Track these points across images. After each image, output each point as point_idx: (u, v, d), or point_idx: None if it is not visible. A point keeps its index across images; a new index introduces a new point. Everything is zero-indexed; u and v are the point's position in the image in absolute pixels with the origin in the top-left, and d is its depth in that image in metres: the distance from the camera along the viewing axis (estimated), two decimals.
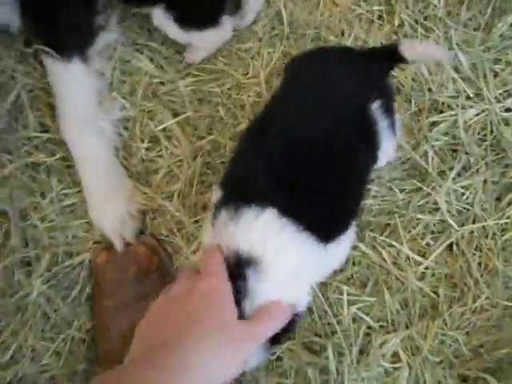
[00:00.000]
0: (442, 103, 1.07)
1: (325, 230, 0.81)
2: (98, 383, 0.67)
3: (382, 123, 0.85)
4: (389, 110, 0.86)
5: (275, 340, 0.80)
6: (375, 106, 0.83)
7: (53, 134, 1.11)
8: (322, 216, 0.80)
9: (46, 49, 1.05)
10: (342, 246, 0.90)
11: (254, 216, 0.76)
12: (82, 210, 1.11)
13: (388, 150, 0.93)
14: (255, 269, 0.76)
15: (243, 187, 0.80)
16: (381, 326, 1.08)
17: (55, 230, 1.11)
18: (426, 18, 1.08)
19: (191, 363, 0.67)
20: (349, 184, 0.84)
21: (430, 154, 1.07)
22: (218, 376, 0.70)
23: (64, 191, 1.11)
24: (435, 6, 1.06)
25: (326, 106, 0.82)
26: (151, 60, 1.14)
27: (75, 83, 1.08)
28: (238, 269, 0.76)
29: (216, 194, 0.86)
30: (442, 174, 1.07)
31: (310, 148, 0.79)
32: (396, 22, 1.08)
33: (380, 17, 1.09)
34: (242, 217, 0.77)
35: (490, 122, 1.06)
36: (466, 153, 1.06)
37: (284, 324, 0.77)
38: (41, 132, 1.12)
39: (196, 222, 1.09)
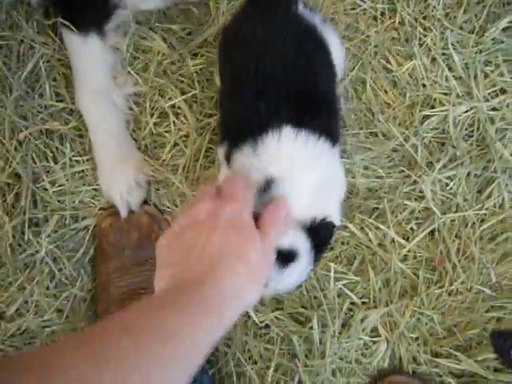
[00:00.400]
0: (435, 99, 1.15)
1: (332, 133, 0.90)
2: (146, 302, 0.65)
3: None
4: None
5: (318, 252, 0.89)
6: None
7: (67, 104, 1.18)
8: (327, 121, 0.90)
9: (65, 22, 1.12)
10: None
11: (276, 138, 0.84)
12: (90, 178, 1.18)
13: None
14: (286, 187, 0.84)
15: (252, 122, 0.88)
16: (363, 303, 1.16)
17: (64, 194, 1.18)
18: (425, 18, 1.14)
19: (227, 293, 0.67)
20: (327, 90, 0.95)
21: (420, 145, 1.14)
22: (248, 301, 0.71)
23: (75, 158, 1.18)
24: (434, 7, 1.13)
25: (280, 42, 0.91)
26: (164, 39, 1.19)
27: (92, 57, 1.14)
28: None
29: (222, 149, 0.95)
30: (429, 164, 1.15)
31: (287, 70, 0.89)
32: (397, 20, 1.15)
33: (382, 14, 1.16)
34: (265, 143, 0.85)
35: (478, 120, 1.14)
36: (453, 146, 1.14)
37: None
38: (56, 101, 1.18)
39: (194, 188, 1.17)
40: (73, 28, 1.12)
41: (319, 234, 0.87)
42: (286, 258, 0.84)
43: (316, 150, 0.87)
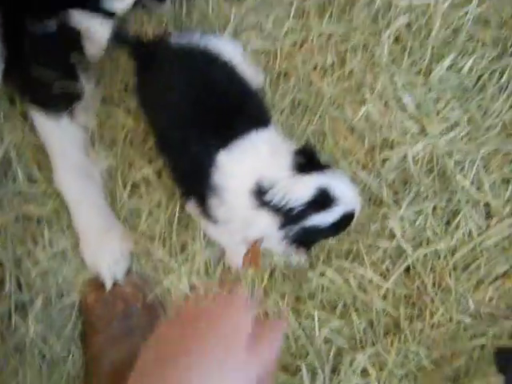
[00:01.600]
0: (392, 140, 1.19)
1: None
2: None
3: None
4: None
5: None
6: None
7: (41, 186, 1.21)
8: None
9: (35, 108, 1.17)
10: None
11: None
12: (71, 255, 1.20)
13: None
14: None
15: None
16: (350, 346, 1.19)
17: (47, 274, 1.20)
18: (373, 65, 1.20)
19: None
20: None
21: (384, 185, 1.18)
22: None
23: (54, 239, 1.20)
24: (380, 54, 1.18)
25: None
26: (128, 112, 1.24)
27: (65, 137, 1.19)
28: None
29: (191, 205, 1.00)
30: (395, 202, 1.19)
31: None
32: (347, 70, 1.20)
33: (332, 65, 1.21)
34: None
35: (436, 155, 1.18)
36: (417, 183, 1.18)
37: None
38: (30, 184, 1.22)
39: (176, 258, 1.19)
40: (44, 112, 1.17)
41: None
42: None
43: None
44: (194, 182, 0.97)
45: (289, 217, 0.88)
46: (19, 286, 1.20)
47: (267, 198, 0.88)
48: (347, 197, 0.91)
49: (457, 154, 1.18)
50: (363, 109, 1.19)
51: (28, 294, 1.19)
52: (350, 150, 1.20)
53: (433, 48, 1.19)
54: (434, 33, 1.18)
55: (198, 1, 1.24)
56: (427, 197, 1.18)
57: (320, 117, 1.20)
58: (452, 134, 1.19)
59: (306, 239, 0.92)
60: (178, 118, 0.96)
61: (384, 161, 1.19)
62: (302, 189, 0.87)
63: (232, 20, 1.21)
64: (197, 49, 1.00)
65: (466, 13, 1.19)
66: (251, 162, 0.90)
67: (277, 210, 0.88)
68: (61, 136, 1.19)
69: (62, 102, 1.18)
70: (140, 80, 1.06)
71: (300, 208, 0.87)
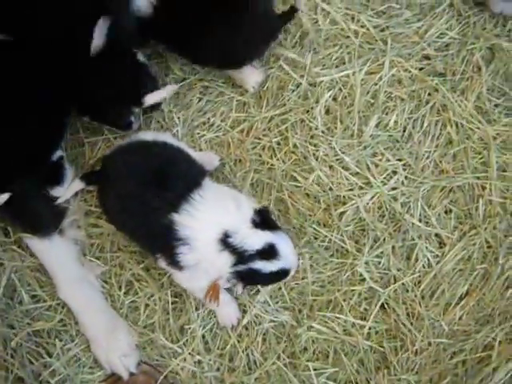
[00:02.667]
0: (344, 196, 1.35)
1: None
2: None
3: None
4: None
5: None
6: None
7: (46, 302, 1.35)
8: None
9: (27, 234, 1.32)
10: None
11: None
12: (84, 358, 1.33)
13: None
14: None
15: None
16: None
17: (65, 380, 1.32)
18: (312, 137, 1.38)
19: None
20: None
21: (345, 237, 1.34)
22: None
23: (66, 347, 1.33)
24: (316, 127, 1.37)
25: None
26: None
27: (60, 253, 1.34)
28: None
29: (160, 261, 1.19)
30: (358, 250, 1.34)
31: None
32: (291, 145, 1.38)
33: (278, 143, 1.39)
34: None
35: (383, 202, 1.34)
36: (373, 229, 1.34)
37: None
38: (34, 303, 1.35)
39: (178, 342, 1.32)
40: (36, 236, 1.32)
41: None
42: None
43: None
44: (162, 241, 1.17)
45: (242, 257, 1.13)
46: None
47: (229, 242, 1.12)
48: (288, 256, 1.17)
49: (401, 197, 1.35)
50: (312, 175, 1.36)
51: None
52: (310, 211, 1.36)
53: (359, 112, 1.37)
54: (356, 100, 1.37)
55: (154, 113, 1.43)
56: (384, 240, 1.34)
57: (278, 190, 1.37)
58: (393, 181, 1.36)
59: (248, 277, 1.16)
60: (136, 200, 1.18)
61: (340, 215, 1.35)
62: (256, 239, 1.14)
63: (181, 123, 1.40)
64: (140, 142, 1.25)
65: (381, 77, 1.39)
66: (219, 216, 1.15)
67: (233, 250, 1.12)
68: (56, 253, 1.34)
69: (48, 221, 1.34)
70: (100, 195, 1.30)
71: (251, 252, 1.13)
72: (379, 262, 1.34)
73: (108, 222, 1.34)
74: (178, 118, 1.43)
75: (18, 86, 1.22)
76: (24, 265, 1.37)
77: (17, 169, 1.27)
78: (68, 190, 1.33)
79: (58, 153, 1.33)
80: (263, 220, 1.16)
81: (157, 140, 1.25)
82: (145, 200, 1.16)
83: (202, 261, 1.15)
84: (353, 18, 1.42)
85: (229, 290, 1.29)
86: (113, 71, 1.26)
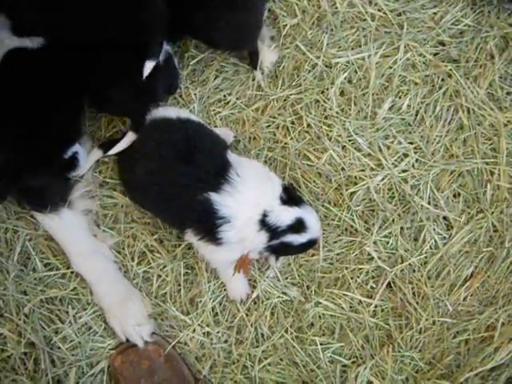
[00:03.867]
0: (355, 177, 1.38)
1: None
2: None
3: None
4: None
5: None
6: None
7: (59, 270, 1.37)
8: None
9: (33, 209, 1.35)
10: None
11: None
12: (95, 326, 1.36)
13: None
14: None
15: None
16: (353, 362, 1.34)
17: (76, 347, 1.35)
18: (326, 118, 1.40)
19: None
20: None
21: (355, 217, 1.37)
22: None
23: (78, 314, 1.36)
24: (330, 108, 1.39)
25: None
26: (124, 193, 1.41)
27: (69, 227, 1.35)
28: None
29: (189, 234, 1.22)
30: (368, 230, 1.37)
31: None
32: (305, 125, 1.40)
33: (292, 123, 1.42)
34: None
35: (394, 183, 1.37)
36: (382, 210, 1.37)
37: None
38: (48, 271, 1.38)
39: (188, 314, 1.35)
40: (42, 211, 1.34)
41: None
42: None
43: None
44: (197, 218, 1.20)
45: (275, 233, 1.18)
46: (53, 362, 1.35)
47: (266, 221, 1.18)
48: (314, 228, 1.23)
49: (411, 180, 1.37)
50: (325, 155, 1.38)
51: (62, 369, 1.34)
52: (321, 190, 1.39)
53: (373, 95, 1.40)
54: (371, 82, 1.39)
55: None
56: (393, 220, 1.37)
57: (290, 168, 1.39)
58: (403, 164, 1.38)
59: (281, 250, 1.23)
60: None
61: (351, 195, 1.38)
62: (288, 215, 1.19)
63: (197, 99, 1.42)
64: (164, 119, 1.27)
65: (395, 61, 1.41)
66: (258, 197, 1.20)
67: (269, 229, 1.18)
68: (66, 227, 1.36)
69: (54, 196, 1.35)
70: (123, 171, 1.33)
71: (283, 228, 1.18)
72: (387, 242, 1.37)
73: (129, 196, 1.36)
74: (195, 94, 1.44)
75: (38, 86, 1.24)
76: (38, 233, 1.39)
77: (29, 167, 1.27)
78: (87, 160, 1.35)
79: (74, 148, 1.32)
80: (290, 196, 1.22)
81: (180, 116, 1.26)
82: (175, 176, 1.19)
83: (243, 238, 1.19)
84: (370, 2, 1.44)
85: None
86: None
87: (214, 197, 1.17)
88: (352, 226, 1.38)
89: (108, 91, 1.29)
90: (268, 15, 1.46)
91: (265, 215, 1.18)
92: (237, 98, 1.44)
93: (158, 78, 1.30)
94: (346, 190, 1.38)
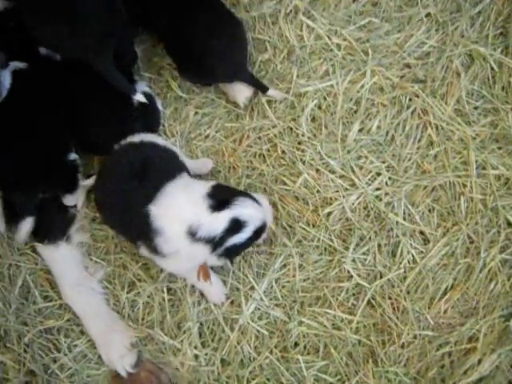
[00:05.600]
0: (330, 198, 1.43)
1: None
2: None
3: None
4: None
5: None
6: None
7: (56, 302, 1.46)
8: None
9: (37, 241, 1.46)
10: None
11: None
12: (90, 354, 1.43)
13: None
14: None
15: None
16: (338, 380, 1.36)
17: (74, 375, 1.42)
18: (299, 143, 1.46)
19: None
20: None
21: (333, 236, 1.41)
22: None
23: (73, 343, 1.44)
24: (303, 134, 1.46)
25: None
26: None
27: (64, 258, 1.46)
28: None
29: (143, 250, 1.30)
30: (346, 248, 1.40)
31: None
32: (279, 151, 1.47)
33: (268, 150, 1.49)
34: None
35: (368, 201, 1.41)
36: (359, 228, 1.40)
37: None
38: (46, 302, 1.47)
39: (176, 338, 1.41)
40: (43, 243, 1.45)
41: None
42: None
43: None
44: (141, 230, 1.27)
45: (215, 243, 1.21)
46: None
47: (198, 235, 1.20)
48: (254, 216, 1.24)
49: (385, 197, 1.41)
50: (300, 178, 1.45)
51: None
52: (299, 213, 1.44)
53: (342, 119, 1.46)
54: (339, 107, 1.46)
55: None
56: (370, 238, 1.40)
57: (269, 193, 1.46)
58: (377, 182, 1.43)
59: (231, 253, 1.26)
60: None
61: (328, 216, 1.43)
62: (218, 223, 1.21)
63: (179, 135, 1.52)
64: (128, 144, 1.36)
65: (363, 85, 1.48)
66: (179, 211, 1.23)
67: (206, 241, 1.21)
68: (61, 259, 1.47)
69: (55, 230, 1.47)
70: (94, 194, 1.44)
71: (220, 235, 1.21)
72: (365, 259, 1.40)
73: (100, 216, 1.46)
74: (177, 131, 1.55)
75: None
76: (37, 267, 1.50)
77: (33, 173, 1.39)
78: (80, 189, 1.46)
79: (72, 155, 1.44)
80: (218, 200, 1.22)
81: (143, 140, 1.36)
82: (126, 193, 1.27)
83: (180, 249, 1.23)
84: (336, 33, 1.53)
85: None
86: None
87: (150, 208, 1.24)
88: (330, 246, 1.42)
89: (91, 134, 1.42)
90: None
91: (192, 230, 1.20)
92: (216, 131, 1.54)
93: (137, 118, 1.43)
94: (323, 210, 1.43)
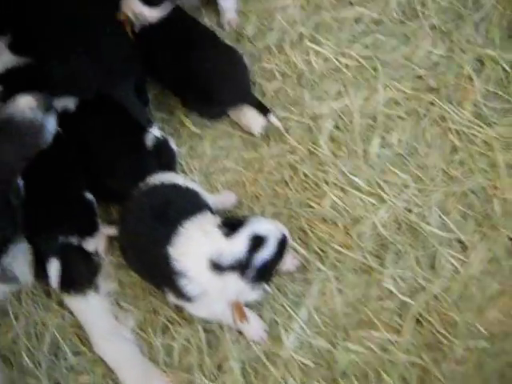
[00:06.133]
0: (359, 216, 1.39)
1: None
2: None
3: None
4: None
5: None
6: None
7: (87, 356, 1.39)
8: None
9: (65, 292, 1.40)
10: None
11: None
12: None
13: None
14: None
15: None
16: None
17: None
18: (321, 165, 1.45)
19: None
20: None
21: (367, 254, 1.36)
22: None
23: None
24: (323, 155, 1.45)
25: None
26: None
27: (93, 309, 1.40)
28: None
29: (171, 297, 1.26)
30: (382, 265, 1.35)
31: None
32: (301, 175, 1.45)
33: (290, 176, 1.47)
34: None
35: (398, 215, 1.38)
36: (392, 243, 1.36)
37: None
38: (77, 357, 1.40)
39: (217, 379, 1.33)
40: (71, 294, 1.40)
41: None
42: None
43: None
44: (164, 274, 1.22)
45: (242, 266, 1.15)
46: None
47: (222, 264, 1.15)
48: (272, 229, 1.19)
49: (415, 208, 1.38)
50: (326, 200, 1.42)
51: None
52: (329, 235, 1.40)
53: (361, 135, 1.45)
54: (356, 124, 1.45)
55: None
56: (406, 252, 1.35)
57: (295, 219, 1.42)
58: (405, 195, 1.39)
59: (262, 274, 1.18)
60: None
61: (359, 234, 1.38)
62: (239, 244, 1.16)
63: (197, 171, 1.50)
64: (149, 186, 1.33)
65: (377, 101, 1.47)
66: (196, 246, 1.18)
67: (232, 268, 1.15)
68: (90, 310, 1.41)
69: (83, 279, 1.41)
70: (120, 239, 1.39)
71: (244, 256, 1.15)
72: (404, 274, 1.34)
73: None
74: (195, 168, 1.53)
75: None
76: (65, 322, 1.43)
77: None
78: (101, 234, 1.43)
79: (88, 195, 1.42)
80: (230, 224, 1.19)
81: (163, 182, 1.33)
82: (148, 236, 1.24)
83: (207, 288, 1.18)
84: (343, 53, 1.54)
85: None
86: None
87: (169, 250, 1.19)
88: (366, 265, 1.37)
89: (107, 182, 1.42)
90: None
91: (214, 261, 1.15)
92: (234, 163, 1.52)
93: (152, 161, 1.42)
94: (353, 230, 1.39)
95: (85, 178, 1.44)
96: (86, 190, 1.42)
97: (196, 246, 1.18)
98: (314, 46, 1.55)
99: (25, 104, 1.25)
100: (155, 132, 1.39)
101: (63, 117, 1.42)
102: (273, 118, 1.48)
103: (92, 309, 1.40)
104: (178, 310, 1.40)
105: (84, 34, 1.37)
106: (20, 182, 1.32)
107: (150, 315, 1.41)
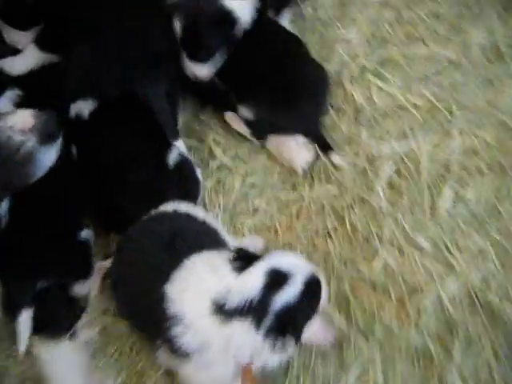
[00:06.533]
0: (420, 285, 1.09)
1: None
2: None
3: None
4: None
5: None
6: None
7: None
8: None
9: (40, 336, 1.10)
10: None
11: None
12: None
13: None
14: None
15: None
16: None
17: None
18: (374, 216, 1.16)
19: None
20: None
21: (428, 338, 1.03)
22: None
23: None
24: (379, 205, 1.16)
25: None
26: None
27: (64, 360, 1.10)
28: None
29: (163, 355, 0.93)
30: (447, 353, 1.02)
31: None
32: (349, 226, 1.16)
33: (334, 226, 1.19)
34: None
35: (472, 291, 1.06)
36: (462, 325, 1.03)
37: None
38: None
39: None
40: (41, 336, 1.10)
41: None
42: None
43: None
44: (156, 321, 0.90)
45: (256, 312, 0.81)
46: None
47: (228, 306, 0.82)
48: (298, 265, 0.87)
49: (493, 283, 1.06)
50: (378, 261, 1.12)
51: None
52: (378, 306, 1.08)
53: (428, 186, 1.17)
54: (423, 171, 1.17)
55: None
56: (479, 338, 1.02)
57: (337, 279, 1.12)
58: (481, 265, 1.08)
59: (286, 323, 0.82)
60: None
61: (418, 309, 1.06)
62: (252, 280, 0.83)
63: (221, 209, 1.24)
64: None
65: (450, 147, 1.20)
66: (198, 282, 0.87)
67: (242, 312, 0.82)
68: (60, 361, 1.10)
69: (61, 326, 1.12)
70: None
71: (259, 297, 0.82)
72: (476, 368, 1.00)
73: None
74: (219, 205, 1.26)
75: None
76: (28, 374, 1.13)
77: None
78: (95, 274, 1.16)
79: (83, 234, 1.16)
80: (246, 257, 0.88)
81: (177, 210, 1.06)
82: (149, 270, 0.95)
83: (209, 339, 0.85)
84: (411, 92, 1.29)
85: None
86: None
87: (166, 289, 0.89)
88: (424, 350, 1.03)
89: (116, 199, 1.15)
90: None
91: (218, 303, 0.83)
92: (267, 204, 1.25)
93: (172, 185, 1.16)
94: (411, 302, 1.07)
95: (88, 207, 1.19)
96: (83, 227, 1.17)
97: (198, 282, 0.87)
98: (377, 81, 1.32)
99: (17, 122, 0.94)
100: (179, 145, 1.14)
101: (75, 125, 1.23)
102: (336, 158, 1.24)
103: (62, 360, 1.09)
104: (169, 374, 1.08)
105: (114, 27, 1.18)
106: (2, 209, 1.07)
107: (135, 378, 1.09)
